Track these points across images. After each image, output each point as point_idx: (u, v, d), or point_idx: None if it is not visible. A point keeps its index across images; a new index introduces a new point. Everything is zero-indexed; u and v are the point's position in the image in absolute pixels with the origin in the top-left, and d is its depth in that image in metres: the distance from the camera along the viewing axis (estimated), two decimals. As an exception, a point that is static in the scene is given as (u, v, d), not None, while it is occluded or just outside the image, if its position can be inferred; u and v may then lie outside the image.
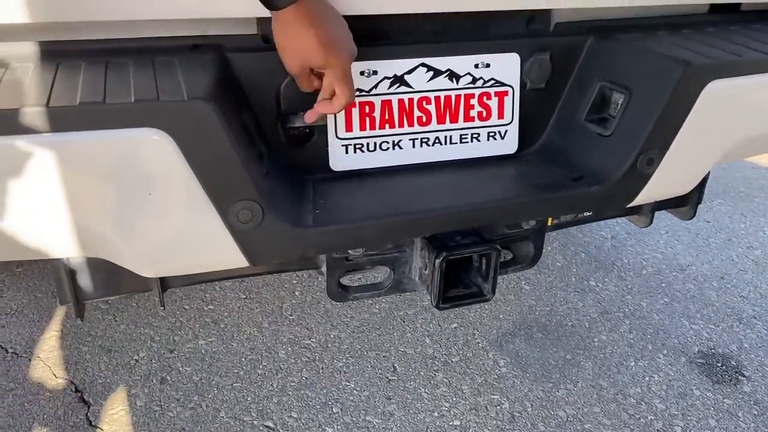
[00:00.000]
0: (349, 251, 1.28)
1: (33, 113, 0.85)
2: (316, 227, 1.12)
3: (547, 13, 1.35)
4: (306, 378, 2.06)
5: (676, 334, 2.30)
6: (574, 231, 2.94)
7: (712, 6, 1.48)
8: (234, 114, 1.04)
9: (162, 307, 1.30)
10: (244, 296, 2.44)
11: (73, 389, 1.97)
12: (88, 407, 1.91)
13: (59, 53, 1.04)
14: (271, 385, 2.02)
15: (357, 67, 1.24)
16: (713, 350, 2.23)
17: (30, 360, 2.08)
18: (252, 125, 1.14)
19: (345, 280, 1.35)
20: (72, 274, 1.14)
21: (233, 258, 1.09)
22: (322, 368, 2.10)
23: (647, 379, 2.10)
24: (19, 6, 0.95)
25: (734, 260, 2.77)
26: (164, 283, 1.24)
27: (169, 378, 2.03)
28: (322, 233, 1.13)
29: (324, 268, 1.31)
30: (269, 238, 1.08)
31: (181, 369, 2.06)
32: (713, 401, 2.01)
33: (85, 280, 1.16)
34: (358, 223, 1.14)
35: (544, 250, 1.49)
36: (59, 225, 0.95)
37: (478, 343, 2.24)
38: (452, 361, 2.15)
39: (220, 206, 1.01)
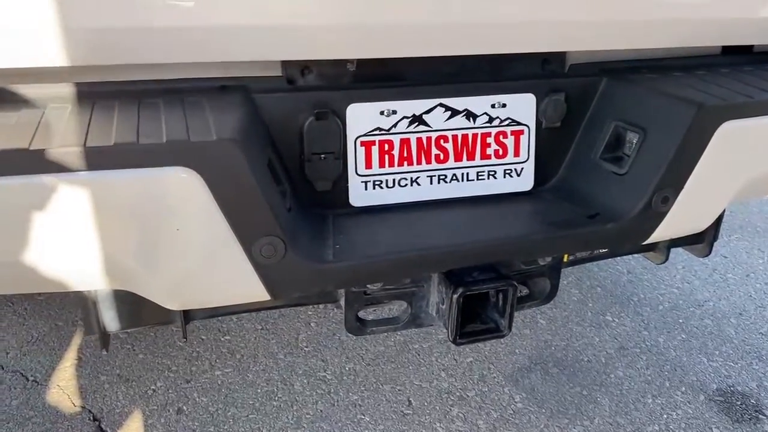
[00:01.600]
0: (368, 286, 1.31)
1: (70, 153, 0.90)
2: (335, 262, 1.15)
3: (561, 54, 1.39)
4: (321, 411, 2.06)
5: (694, 371, 2.28)
6: (590, 265, 2.93)
7: (725, 48, 1.51)
8: (259, 153, 1.08)
9: (184, 339, 1.33)
10: (260, 327, 2.45)
11: (91, 418, 1.99)
12: (106, 436, 1.93)
13: (94, 94, 1.09)
14: (287, 417, 2.02)
15: (377, 107, 1.28)
16: (732, 388, 2.20)
17: (50, 388, 2.10)
18: (276, 163, 1.17)
19: (362, 314, 1.37)
20: (98, 306, 1.17)
21: (255, 291, 1.11)
22: (338, 401, 2.10)
23: (665, 416, 2.07)
24: (57, 50, 1.01)
25: (752, 296, 2.74)
26: (187, 315, 1.27)
27: (185, 408, 2.04)
28: (342, 268, 1.15)
29: (342, 302, 1.33)
30: (291, 273, 1.11)
31: (197, 399, 2.08)
32: (733, 441, 1.98)
33: (111, 313, 1.19)
34: (377, 258, 1.17)
35: (559, 285, 1.50)
36: (90, 258, 0.98)
37: (494, 377, 2.23)
38: (468, 396, 2.14)
39: (244, 241, 1.04)
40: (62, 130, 0.95)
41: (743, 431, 2.02)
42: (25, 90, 1.06)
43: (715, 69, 1.47)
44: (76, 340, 2.33)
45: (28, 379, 2.14)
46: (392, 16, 1.17)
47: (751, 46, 1.53)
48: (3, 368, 2.19)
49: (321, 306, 2.58)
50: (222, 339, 2.37)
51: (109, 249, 0.98)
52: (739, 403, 2.14)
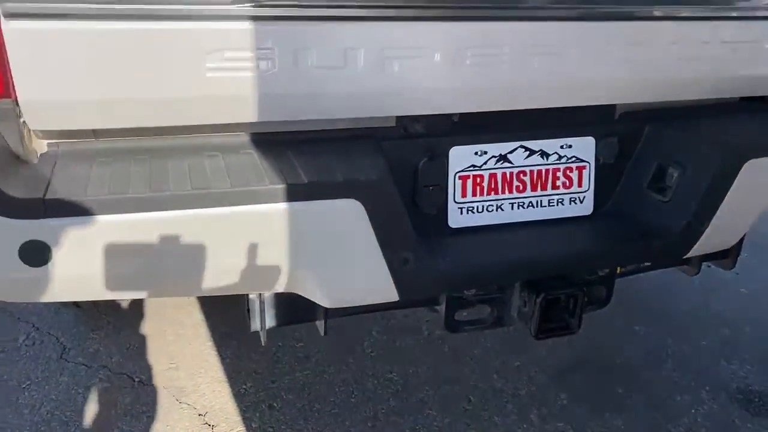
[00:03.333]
0: (465, 291, 1.62)
1: (280, 189, 1.22)
2: (449, 271, 1.47)
3: (613, 106, 1.72)
4: (393, 406, 2.35)
5: (716, 373, 2.58)
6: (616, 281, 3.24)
7: (742, 98, 1.85)
8: (395, 187, 1.41)
9: (324, 335, 1.64)
10: (328, 336, 2.75)
11: (197, 414, 2.29)
12: (212, 428, 2.22)
13: (267, 141, 1.42)
14: (365, 411, 2.32)
15: (472, 149, 1.61)
16: (750, 387, 2.51)
17: (155, 388, 2.40)
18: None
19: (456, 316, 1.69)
20: (264, 306, 1.49)
21: (389, 293, 1.43)
22: (406, 398, 2.40)
23: (693, 411, 2.37)
24: (255, 109, 1.33)
25: (765, 307, 3.06)
26: (327, 313, 1.58)
27: (275, 405, 2.34)
28: (454, 275, 1.48)
29: (443, 305, 1.64)
30: (417, 279, 1.43)
31: (285, 397, 2.38)
32: (753, 431, 2.28)
33: (272, 311, 1.51)
34: (481, 267, 1.49)
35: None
36: (281, 266, 1.30)
37: (540, 378, 2.53)
38: (519, 394, 2.44)
39: (387, 254, 1.37)
40: (264, 171, 1.27)
41: (763, 423, 2.32)
42: (221, 139, 1.39)
43: (736, 115, 1.80)
44: (169, 348, 2.63)
45: (134, 381, 2.44)
46: (486, 81, 1.50)
47: (764, 96, 1.87)
48: (110, 371, 2.49)
49: (380, 316, 2.89)
50: (297, 345, 2.68)
51: (295, 260, 1.30)
52: (757, 399, 2.44)
